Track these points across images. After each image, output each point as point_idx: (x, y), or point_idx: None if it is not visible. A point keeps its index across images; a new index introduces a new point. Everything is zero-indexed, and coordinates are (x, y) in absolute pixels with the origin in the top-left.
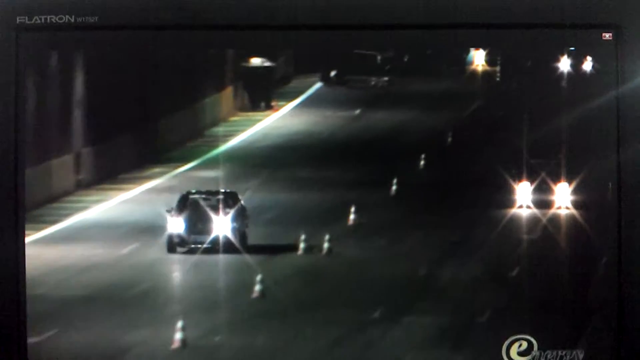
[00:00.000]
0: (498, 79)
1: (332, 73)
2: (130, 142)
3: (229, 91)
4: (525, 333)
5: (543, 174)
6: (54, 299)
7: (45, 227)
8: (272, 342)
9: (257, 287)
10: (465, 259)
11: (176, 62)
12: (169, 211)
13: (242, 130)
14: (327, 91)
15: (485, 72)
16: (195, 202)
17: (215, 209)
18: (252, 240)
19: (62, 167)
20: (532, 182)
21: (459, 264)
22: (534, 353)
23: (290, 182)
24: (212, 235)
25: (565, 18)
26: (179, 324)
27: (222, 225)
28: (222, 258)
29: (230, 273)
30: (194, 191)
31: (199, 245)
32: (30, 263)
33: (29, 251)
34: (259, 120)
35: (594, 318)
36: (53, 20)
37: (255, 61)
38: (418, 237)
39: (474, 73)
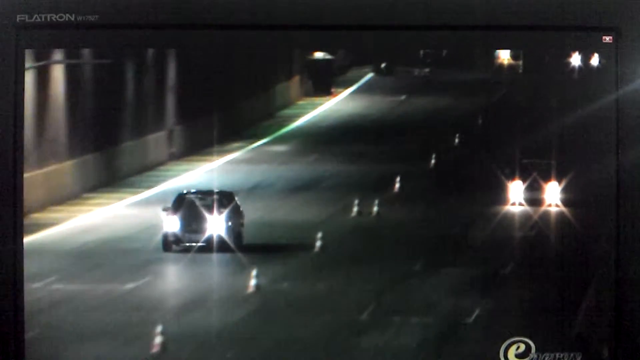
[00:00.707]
0: (520, 70)
1: (382, 65)
2: (214, 121)
3: (296, 79)
4: (523, 335)
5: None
6: (145, 251)
7: (144, 191)
8: (329, 287)
9: (318, 243)
10: (490, 222)
11: (252, 56)
12: (165, 210)
13: (307, 113)
14: (377, 80)
15: (509, 65)
16: (191, 202)
17: (210, 209)
18: (309, 206)
19: (157, 142)
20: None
21: (484, 226)
22: (531, 355)
23: (345, 156)
24: (206, 235)
25: (567, 21)
26: (254, 272)
27: (216, 224)
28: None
29: (297, 231)
30: (190, 191)
31: (194, 244)
32: (130, 221)
33: (130, 211)
34: (321, 104)
35: (591, 320)
36: (53, 18)
37: (318, 54)
38: (451, 202)
39: (500, 66)
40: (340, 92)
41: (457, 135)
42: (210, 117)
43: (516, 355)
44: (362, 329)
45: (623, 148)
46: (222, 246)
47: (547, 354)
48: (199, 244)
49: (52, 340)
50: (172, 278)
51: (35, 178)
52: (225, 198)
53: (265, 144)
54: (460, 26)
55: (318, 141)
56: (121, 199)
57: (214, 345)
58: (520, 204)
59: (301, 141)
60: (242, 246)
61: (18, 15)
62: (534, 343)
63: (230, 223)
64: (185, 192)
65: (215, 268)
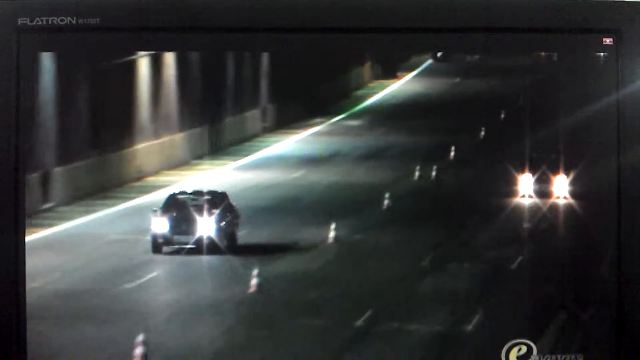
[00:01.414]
0: (555, 58)
1: (439, 54)
2: (301, 100)
3: (367, 65)
4: (524, 337)
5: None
6: (249, 208)
7: (242, 158)
8: (396, 238)
9: (386, 202)
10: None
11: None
12: (155, 211)
13: (377, 93)
14: (436, 66)
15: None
16: (181, 202)
17: (201, 210)
18: (378, 171)
19: (253, 118)
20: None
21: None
22: (533, 358)
23: (409, 129)
24: (196, 236)
25: (567, 23)
26: (332, 225)
27: (206, 226)
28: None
29: (369, 191)
30: (180, 191)
31: (183, 246)
32: (232, 183)
33: (233, 175)
34: (388, 86)
35: (593, 322)
36: (55, 21)
37: None
38: (500, 169)
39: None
40: (404, 76)
41: (503, 111)
42: (296, 98)
43: (517, 357)
44: (423, 273)
45: (624, 150)
46: (213, 248)
47: (549, 356)
48: (189, 246)
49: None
50: (269, 229)
51: (152, 147)
52: (217, 198)
53: (342, 119)
54: (461, 28)
55: (386, 117)
56: (224, 164)
57: (302, 285)
58: (530, 196)
59: (372, 117)
60: (236, 247)
61: (19, 19)
62: (536, 345)
63: (221, 224)
64: (176, 192)
65: (302, 222)
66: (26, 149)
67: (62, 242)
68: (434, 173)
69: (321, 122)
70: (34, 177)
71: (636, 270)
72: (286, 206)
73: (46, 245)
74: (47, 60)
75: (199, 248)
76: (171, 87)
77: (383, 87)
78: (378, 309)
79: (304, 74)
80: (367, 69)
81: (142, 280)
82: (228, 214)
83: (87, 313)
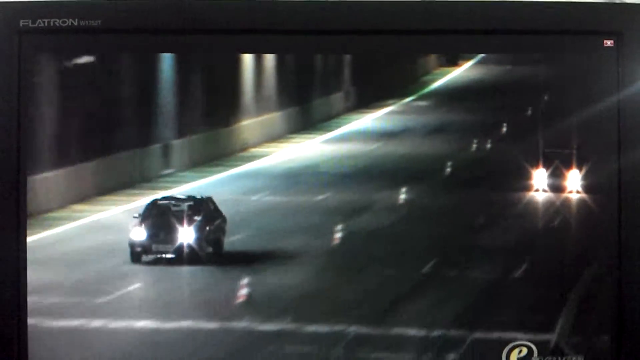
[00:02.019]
0: None
1: None
2: (377, 84)
3: (433, 55)
4: (525, 339)
5: None
6: (333, 175)
7: (328, 133)
8: (455, 201)
9: (448, 170)
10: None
11: None
12: (136, 217)
13: (440, 78)
14: (490, 55)
15: None
16: (162, 209)
17: (182, 217)
18: (442, 144)
19: (337, 99)
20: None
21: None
22: (534, 359)
23: (468, 109)
24: (176, 244)
25: (568, 25)
26: (403, 189)
27: (185, 234)
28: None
29: (433, 161)
30: (163, 197)
31: (163, 255)
32: (320, 154)
33: (320, 146)
34: (450, 72)
35: (594, 323)
36: (56, 23)
37: None
38: (545, 140)
39: None
40: (464, 64)
41: (546, 94)
42: (373, 83)
43: (518, 359)
44: (478, 229)
45: (624, 151)
46: (193, 257)
47: (550, 357)
48: (168, 256)
49: (261, 237)
50: (350, 193)
51: (254, 124)
52: (200, 204)
53: (411, 100)
54: (462, 30)
55: (448, 98)
56: (312, 138)
57: (377, 238)
58: (544, 190)
59: (436, 98)
60: (221, 255)
61: (21, 20)
62: (536, 347)
63: (203, 231)
64: (157, 198)
65: (377, 187)
66: (27, 150)
67: None
68: (488, 145)
69: (394, 103)
70: (157, 148)
71: (636, 270)
72: (364, 173)
73: None
74: (167, 60)
75: (178, 257)
76: (270, 74)
77: (445, 74)
78: (440, 259)
79: (378, 63)
80: (432, 57)
81: (244, 234)
82: (212, 220)
83: None
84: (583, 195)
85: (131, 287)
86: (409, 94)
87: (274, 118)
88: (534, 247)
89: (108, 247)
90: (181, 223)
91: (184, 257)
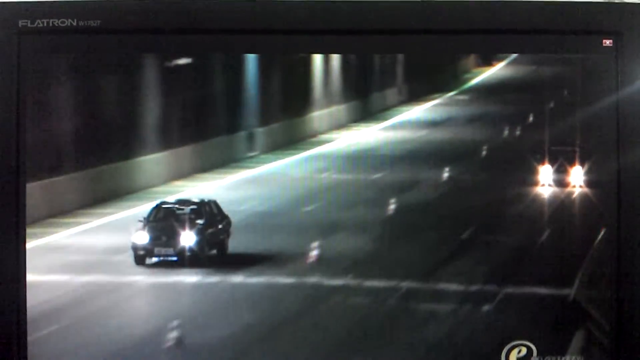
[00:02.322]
0: None
1: None
2: (425, 81)
3: (472, 56)
4: (524, 339)
5: None
6: (390, 157)
7: (383, 122)
8: (490, 177)
9: (484, 152)
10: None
11: None
12: (141, 221)
13: (478, 76)
14: (520, 57)
15: None
16: (165, 213)
17: (185, 220)
18: (479, 130)
19: (391, 93)
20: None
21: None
22: (533, 359)
23: (500, 102)
24: (178, 248)
25: (567, 24)
26: (446, 168)
27: (187, 237)
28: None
29: (472, 145)
30: (167, 201)
31: (165, 258)
32: (377, 139)
33: (377, 133)
34: (485, 71)
35: (593, 323)
36: (55, 23)
37: None
38: (565, 127)
39: None
40: (497, 64)
41: (565, 90)
42: (421, 79)
43: (518, 359)
44: (510, 201)
45: (623, 151)
46: (194, 259)
47: (549, 357)
48: (170, 259)
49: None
50: (402, 172)
51: (323, 114)
52: (204, 207)
53: (453, 94)
54: (460, 30)
55: (485, 93)
56: (371, 126)
57: (424, 209)
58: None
59: (474, 93)
60: (225, 257)
61: (20, 21)
62: (536, 346)
63: (205, 234)
64: (162, 202)
65: (425, 167)
66: (26, 151)
67: (261, 179)
68: (518, 132)
69: (439, 97)
70: (242, 134)
71: (635, 270)
72: (414, 156)
73: (250, 181)
74: (252, 61)
75: (180, 260)
76: (336, 73)
77: (482, 72)
78: (477, 226)
79: (426, 63)
80: (470, 58)
81: (314, 206)
82: (215, 223)
83: (277, 228)
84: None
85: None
86: (451, 89)
87: (339, 110)
88: (555, 219)
89: None
90: (183, 227)
91: (185, 260)
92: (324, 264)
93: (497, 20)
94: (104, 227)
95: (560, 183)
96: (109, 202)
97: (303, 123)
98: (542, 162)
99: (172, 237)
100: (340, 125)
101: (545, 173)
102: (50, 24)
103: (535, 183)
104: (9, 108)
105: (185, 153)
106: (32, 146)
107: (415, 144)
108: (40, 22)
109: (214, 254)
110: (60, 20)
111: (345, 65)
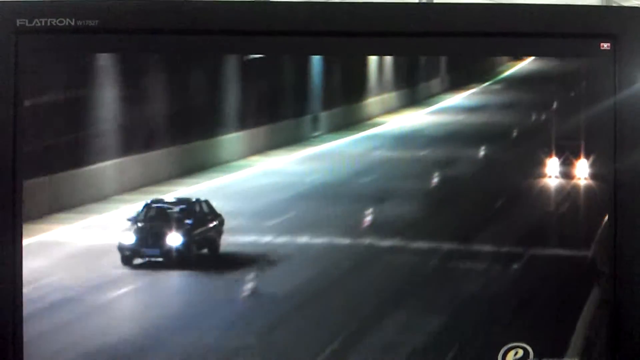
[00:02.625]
0: None
1: None
2: (463, 72)
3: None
4: (521, 340)
5: None
6: (433, 137)
7: (428, 107)
8: (519, 154)
9: (514, 134)
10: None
11: None
12: (129, 220)
13: (510, 69)
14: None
15: None
16: (154, 213)
17: (173, 220)
18: (510, 116)
19: (435, 83)
20: None
21: None
22: None
23: (528, 90)
24: (164, 249)
25: (564, 28)
26: (482, 147)
27: (173, 238)
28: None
29: (504, 129)
30: (155, 200)
31: (152, 259)
32: (422, 122)
33: (423, 117)
34: (516, 64)
35: (590, 325)
36: (53, 23)
37: None
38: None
39: None
40: (526, 58)
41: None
42: (461, 71)
43: None
44: (536, 176)
45: (620, 155)
46: (181, 260)
47: (546, 359)
48: (157, 259)
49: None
50: (443, 152)
51: (376, 101)
52: (193, 207)
53: (488, 85)
54: (459, 32)
55: (516, 83)
56: (417, 111)
57: (463, 182)
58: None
59: (506, 83)
60: (217, 257)
61: (18, 20)
62: (532, 348)
63: (193, 234)
64: (151, 201)
65: (463, 146)
66: (23, 151)
67: (323, 155)
68: (544, 116)
69: (475, 86)
70: (308, 118)
71: (633, 271)
72: (453, 136)
73: (314, 157)
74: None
75: (167, 261)
76: (388, 64)
77: (513, 66)
78: (507, 198)
79: (465, 59)
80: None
81: (369, 178)
82: (205, 223)
83: (336, 196)
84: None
85: (292, 214)
86: (487, 79)
87: (391, 97)
88: (575, 191)
89: (277, 185)
90: (170, 227)
91: (172, 261)
92: (376, 227)
93: (494, 23)
94: (194, 195)
95: (567, 175)
96: (197, 173)
97: (360, 108)
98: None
99: (159, 237)
100: (391, 110)
101: (555, 163)
102: (48, 24)
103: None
104: (7, 107)
105: (260, 133)
106: (131, 126)
107: (455, 126)
108: (38, 22)
109: (205, 253)
110: (58, 20)
111: (397, 59)
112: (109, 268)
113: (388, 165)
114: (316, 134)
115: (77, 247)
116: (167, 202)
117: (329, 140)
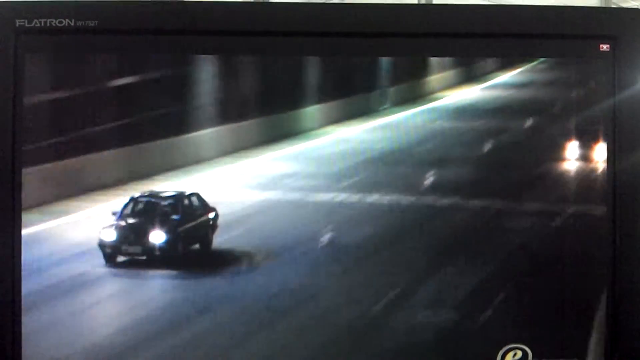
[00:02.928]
0: None
1: None
2: (489, 63)
3: None
4: (520, 342)
5: None
6: (483, 109)
7: (482, 84)
8: (540, 134)
9: (556, 108)
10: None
11: None
12: (113, 214)
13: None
14: None
15: None
16: (138, 208)
17: (157, 216)
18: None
19: (490, 62)
20: None
21: None
22: None
23: (564, 70)
24: (146, 246)
25: (564, 29)
26: (530, 119)
27: (157, 235)
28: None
29: (530, 113)
30: (141, 195)
31: (134, 257)
32: (476, 96)
33: (476, 93)
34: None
35: (590, 326)
36: (53, 23)
37: None
38: None
39: None
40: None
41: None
42: (488, 61)
43: None
44: (559, 149)
45: (620, 156)
46: (166, 258)
47: None
48: (139, 257)
49: None
50: (493, 121)
51: (438, 78)
52: (181, 202)
53: (535, 64)
54: (459, 33)
55: (558, 64)
56: (472, 87)
57: (510, 149)
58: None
59: (549, 63)
60: (208, 253)
61: (17, 20)
62: (531, 350)
63: (177, 231)
64: (136, 196)
65: (490, 127)
66: (22, 150)
67: (390, 125)
68: (582, 92)
69: (524, 66)
70: (377, 92)
71: (632, 272)
72: (502, 110)
73: (382, 126)
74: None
75: (150, 259)
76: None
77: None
78: (550, 162)
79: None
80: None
81: (429, 145)
82: (195, 218)
83: (400, 161)
84: None
85: (362, 176)
86: (533, 60)
87: (450, 75)
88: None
89: (350, 150)
90: (154, 223)
91: (156, 259)
92: (436, 188)
93: (493, 24)
94: (279, 159)
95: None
96: (281, 141)
97: (422, 84)
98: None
99: (141, 234)
100: (450, 86)
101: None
102: (48, 24)
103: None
104: (6, 107)
105: (336, 105)
106: (225, 99)
107: (505, 100)
108: (37, 22)
109: (196, 248)
110: (57, 20)
111: None
112: None
113: (446, 134)
114: (384, 107)
115: None
116: (153, 196)
117: (395, 113)
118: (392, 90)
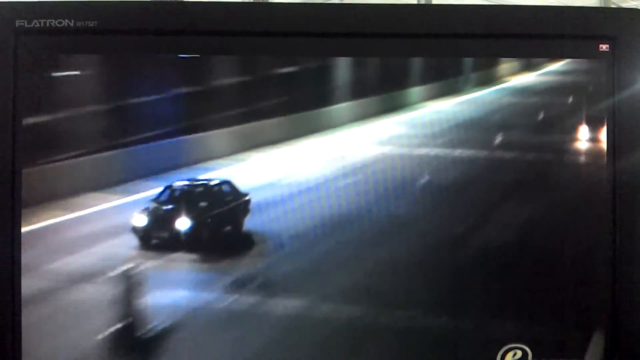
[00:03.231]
0: None
1: None
2: (505, 68)
3: None
4: (520, 342)
5: None
6: (537, 90)
7: (530, 72)
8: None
9: (541, 115)
10: None
11: None
12: (151, 200)
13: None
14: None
15: None
16: (171, 194)
17: (189, 202)
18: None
19: (492, 72)
20: None
21: None
22: None
23: (544, 87)
24: (174, 232)
25: (563, 29)
26: (500, 134)
27: (184, 221)
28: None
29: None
30: (178, 181)
31: (163, 241)
32: (516, 82)
33: (519, 79)
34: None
35: (590, 326)
36: (52, 24)
37: None
38: None
39: None
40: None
41: None
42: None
43: None
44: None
45: (619, 157)
46: (192, 243)
47: None
48: (167, 242)
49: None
50: (545, 99)
51: (504, 67)
52: (212, 189)
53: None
54: (458, 34)
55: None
56: (528, 74)
57: (548, 122)
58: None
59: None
60: (239, 236)
61: (17, 21)
62: (531, 350)
63: (207, 216)
64: (172, 184)
65: (544, 104)
66: (22, 151)
67: (474, 99)
68: (570, 100)
69: (520, 75)
70: (463, 77)
71: (632, 272)
72: (551, 91)
73: (467, 101)
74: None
75: (176, 244)
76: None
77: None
78: (574, 141)
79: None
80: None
81: (501, 114)
82: (224, 205)
83: (474, 126)
84: None
85: (447, 138)
86: (529, 70)
87: (514, 64)
88: None
89: (437, 119)
90: (181, 210)
91: (183, 244)
92: (502, 146)
93: (493, 25)
94: (393, 124)
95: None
96: (395, 111)
97: (495, 71)
98: None
99: (169, 220)
100: (514, 73)
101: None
102: (48, 24)
103: None
104: (7, 106)
105: (433, 86)
106: (355, 80)
107: (554, 84)
108: (37, 22)
109: (228, 230)
110: (57, 21)
111: None
112: None
113: (512, 107)
114: (467, 87)
115: None
116: (187, 185)
117: (476, 91)
118: (473, 75)
